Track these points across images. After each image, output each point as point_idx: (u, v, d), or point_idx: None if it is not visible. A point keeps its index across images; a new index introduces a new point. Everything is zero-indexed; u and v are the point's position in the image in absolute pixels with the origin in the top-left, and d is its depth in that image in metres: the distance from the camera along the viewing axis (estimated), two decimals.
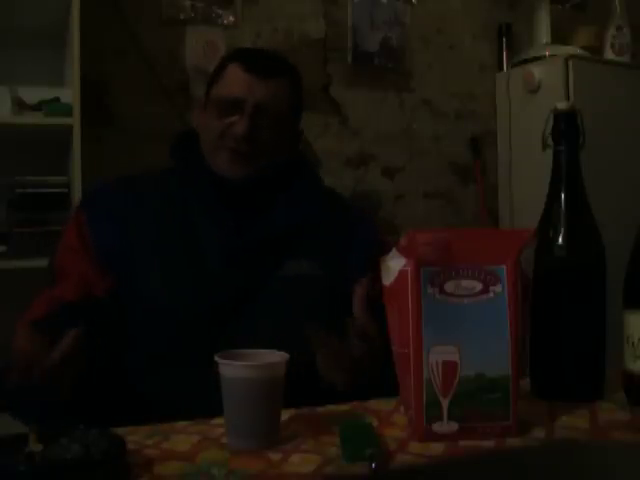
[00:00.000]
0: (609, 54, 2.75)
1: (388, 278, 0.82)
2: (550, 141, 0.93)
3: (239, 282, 1.13)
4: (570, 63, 2.54)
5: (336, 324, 1.12)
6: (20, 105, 1.89)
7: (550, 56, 2.64)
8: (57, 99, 1.94)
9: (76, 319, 1.04)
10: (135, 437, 0.76)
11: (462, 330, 0.76)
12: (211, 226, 1.15)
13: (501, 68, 2.86)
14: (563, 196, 0.91)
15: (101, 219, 1.15)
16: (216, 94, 1.17)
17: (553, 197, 0.92)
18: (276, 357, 0.77)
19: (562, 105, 0.92)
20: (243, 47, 1.24)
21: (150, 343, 1.11)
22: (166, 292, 1.11)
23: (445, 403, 0.75)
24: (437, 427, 0.75)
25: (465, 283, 0.77)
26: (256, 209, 1.17)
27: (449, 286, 0.77)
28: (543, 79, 2.62)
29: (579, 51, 2.67)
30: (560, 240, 0.91)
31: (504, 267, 0.77)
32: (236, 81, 1.15)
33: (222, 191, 1.15)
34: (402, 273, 0.78)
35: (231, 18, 2.39)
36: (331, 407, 0.89)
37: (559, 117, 0.92)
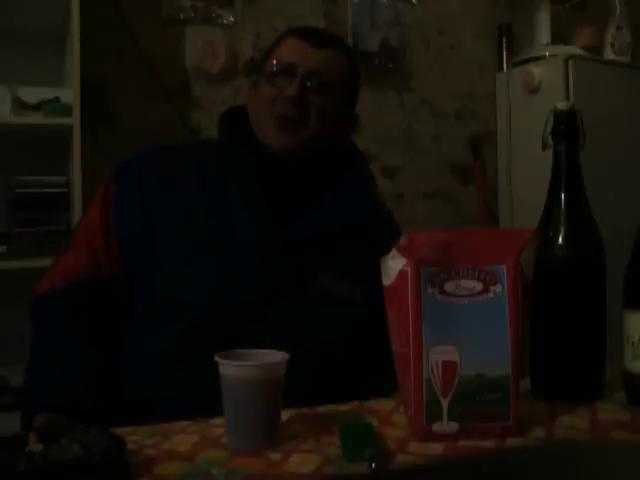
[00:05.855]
0: (609, 54, 2.75)
1: (388, 278, 0.82)
2: (550, 141, 0.93)
3: (266, 283, 1.07)
4: (570, 63, 2.54)
5: (365, 353, 1.11)
6: (20, 105, 1.89)
7: (550, 56, 2.65)
8: (57, 99, 1.94)
9: (84, 297, 1.08)
10: (135, 437, 0.76)
11: (462, 330, 0.76)
12: (248, 216, 1.10)
13: (501, 68, 2.86)
14: (563, 196, 0.91)
15: (129, 196, 1.11)
16: (269, 64, 1.15)
17: (553, 197, 0.92)
18: (276, 357, 0.77)
19: (562, 105, 0.92)
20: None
21: (162, 339, 1.05)
22: (184, 285, 1.06)
23: (445, 403, 0.75)
24: (437, 427, 0.75)
25: (465, 283, 0.77)
26: (299, 201, 1.12)
27: (449, 286, 0.77)
28: (543, 79, 2.62)
29: (579, 51, 2.68)
30: (560, 240, 0.91)
31: (504, 267, 0.77)
32: (289, 49, 1.14)
33: (263, 170, 1.11)
34: (402, 273, 0.78)
35: (231, 18, 2.39)
36: (331, 407, 0.88)
37: (559, 117, 0.92)
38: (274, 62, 1.14)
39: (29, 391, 1.04)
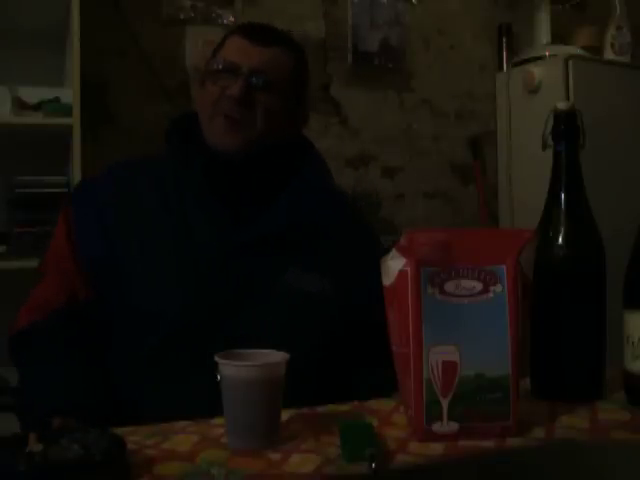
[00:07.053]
0: (609, 54, 2.75)
1: (388, 278, 0.82)
2: (550, 141, 0.93)
3: (232, 285, 1.07)
4: (570, 63, 2.54)
5: (341, 349, 1.11)
6: (20, 105, 1.90)
7: (550, 56, 2.65)
8: (57, 99, 1.94)
9: (65, 326, 1.07)
10: (135, 437, 0.76)
11: (462, 330, 0.76)
12: (204, 221, 1.10)
13: (501, 68, 2.86)
14: (563, 196, 0.91)
15: (88, 217, 1.12)
16: (213, 63, 1.14)
17: (553, 197, 0.92)
18: (276, 357, 0.77)
19: (562, 105, 0.92)
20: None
21: (137, 348, 1.06)
22: (153, 296, 1.06)
23: (445, 403, 0.75)
24: (437, 427, 0.75)
25: (465, 283, 0.77)
26: (254, 200, 1.12)
27: (449, 286, 0.77)
28: (543, 79, 2.62)
29: (579, 51, 2.68)
30: (560, 240, 0.91)
31: (504, 267, 0.77)
32: (233, 48, 1.13)
33: (214, 174, 1.10)
34: (402, 273, 0.78)
35: (231, 18, 2.39)
36: (331, 407, 0.89)
37: (559, 117, 0.92)
38: (218, 61, 1.13)
39: (31, 401, 1.03)
